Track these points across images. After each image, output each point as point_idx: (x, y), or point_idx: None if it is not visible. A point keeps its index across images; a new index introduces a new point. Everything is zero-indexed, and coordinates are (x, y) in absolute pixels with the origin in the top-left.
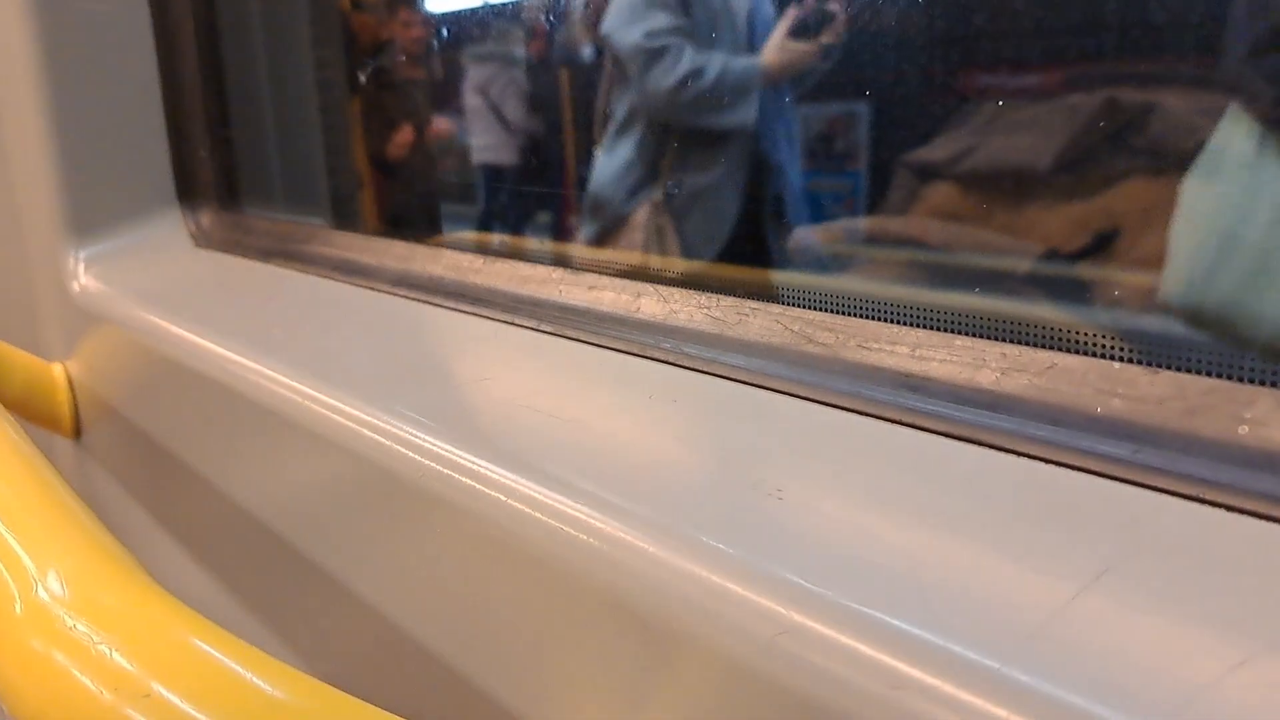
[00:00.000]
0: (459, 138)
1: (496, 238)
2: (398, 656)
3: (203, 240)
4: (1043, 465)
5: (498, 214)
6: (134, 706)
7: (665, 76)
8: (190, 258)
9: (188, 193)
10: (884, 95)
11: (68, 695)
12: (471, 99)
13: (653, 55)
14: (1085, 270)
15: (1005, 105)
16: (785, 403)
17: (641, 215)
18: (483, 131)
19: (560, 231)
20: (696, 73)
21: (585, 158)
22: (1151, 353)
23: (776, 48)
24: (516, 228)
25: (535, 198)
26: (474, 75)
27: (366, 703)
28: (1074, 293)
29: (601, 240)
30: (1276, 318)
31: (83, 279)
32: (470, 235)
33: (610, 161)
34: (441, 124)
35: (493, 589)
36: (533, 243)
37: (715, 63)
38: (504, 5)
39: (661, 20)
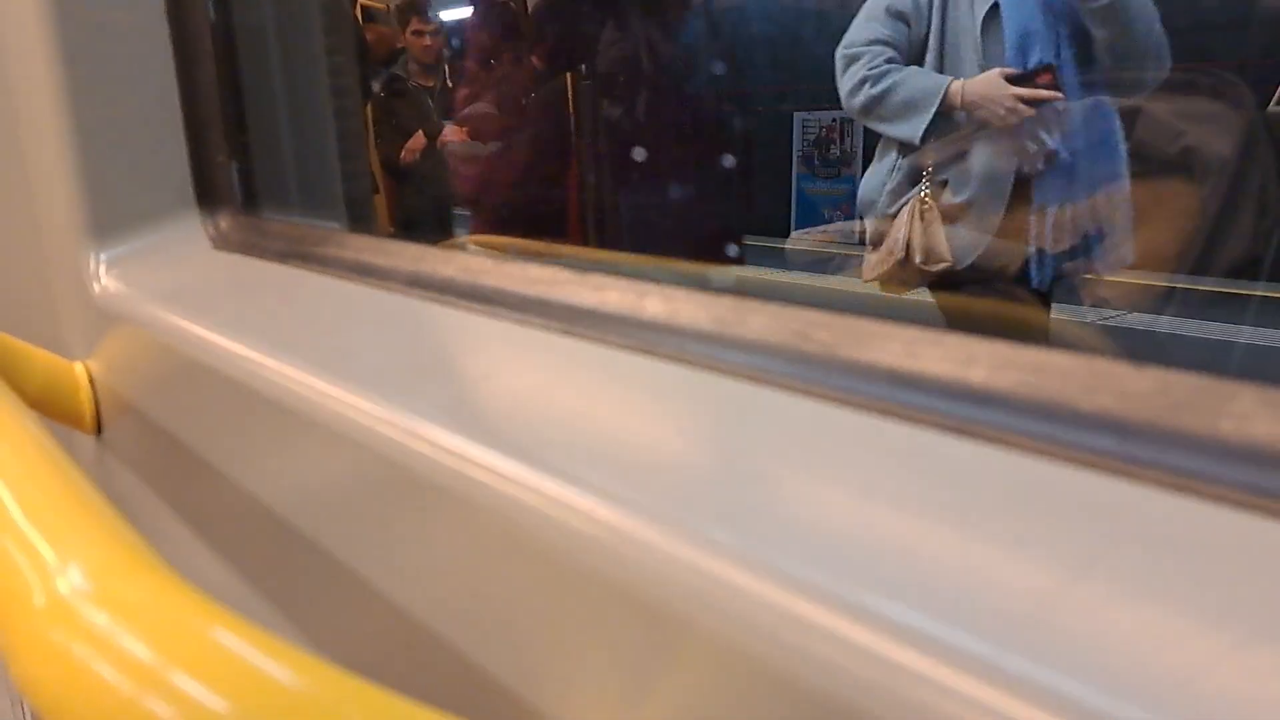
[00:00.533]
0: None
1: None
2: (414, 646)
3: (221, 243)
4: (1032, 458)
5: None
6: (157, 698)
7: (846, 82)
8: (209, 260)
9: (206, 197)
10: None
11: (89, 687)
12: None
13: (846, 62)
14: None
15: None
16: (785, 398)
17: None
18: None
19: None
20: (870, 79)
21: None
22: (1137, 349)
23: (983, 80)
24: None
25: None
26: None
27: (387, 691)
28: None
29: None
30: None
31: (103, 280)
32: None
33: (878, 168)
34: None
35: (505, 580)
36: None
37: (893, 75)
38: None
39: (869, 32)
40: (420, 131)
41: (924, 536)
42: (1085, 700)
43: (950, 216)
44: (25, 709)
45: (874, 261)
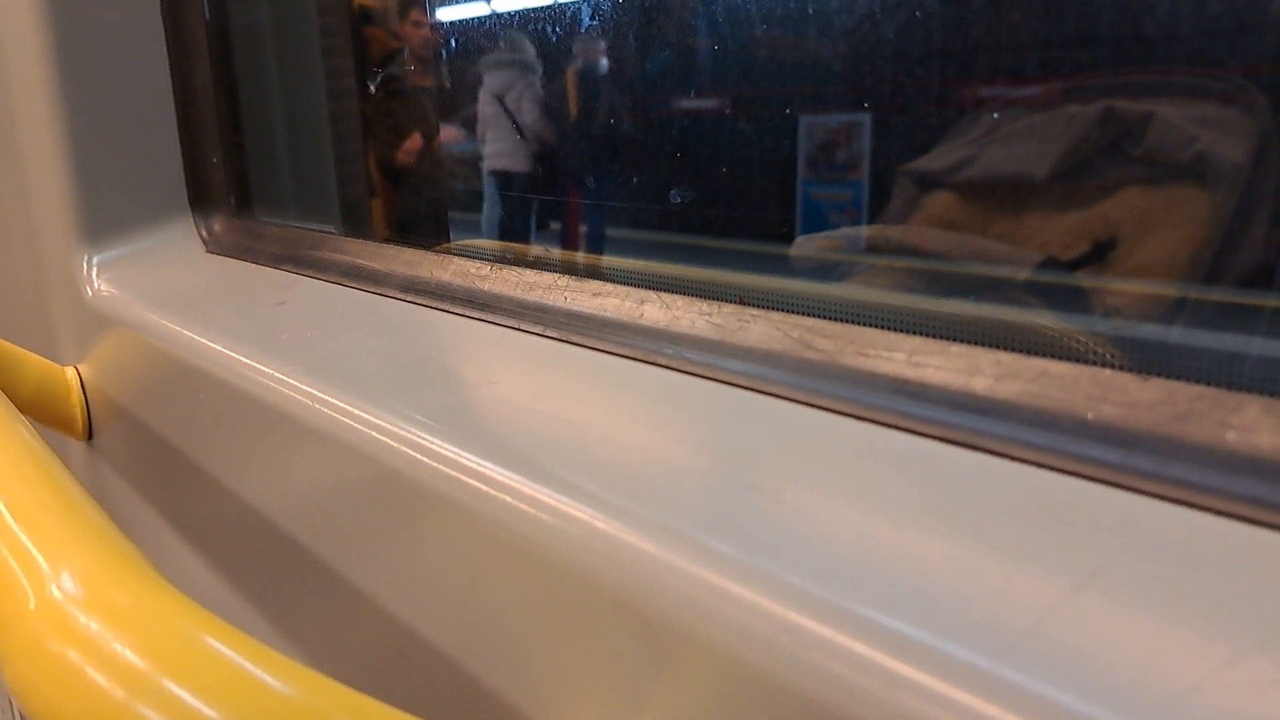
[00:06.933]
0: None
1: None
2: (405, 654)
3: (214, 246)
4: (1035, 469)
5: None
6: (146, 704)
7: None
8: (201, 263)
9: (199, 199)
10: None
11: (81, 693)
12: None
13: None
14: (1080, 278)
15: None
16: (784, 408)
17: None
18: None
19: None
20: None
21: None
22: (1142, 359)
23: None
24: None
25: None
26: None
27: (375, 700)
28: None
29: None
30: None
31: (96, 284)
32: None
33: None
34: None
35: (498, 588)
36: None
37: None
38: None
39: None
40: (418, 133)
41: (924, 548)
42: (1084, 712)
43: None
44: (17, 712)
45: None
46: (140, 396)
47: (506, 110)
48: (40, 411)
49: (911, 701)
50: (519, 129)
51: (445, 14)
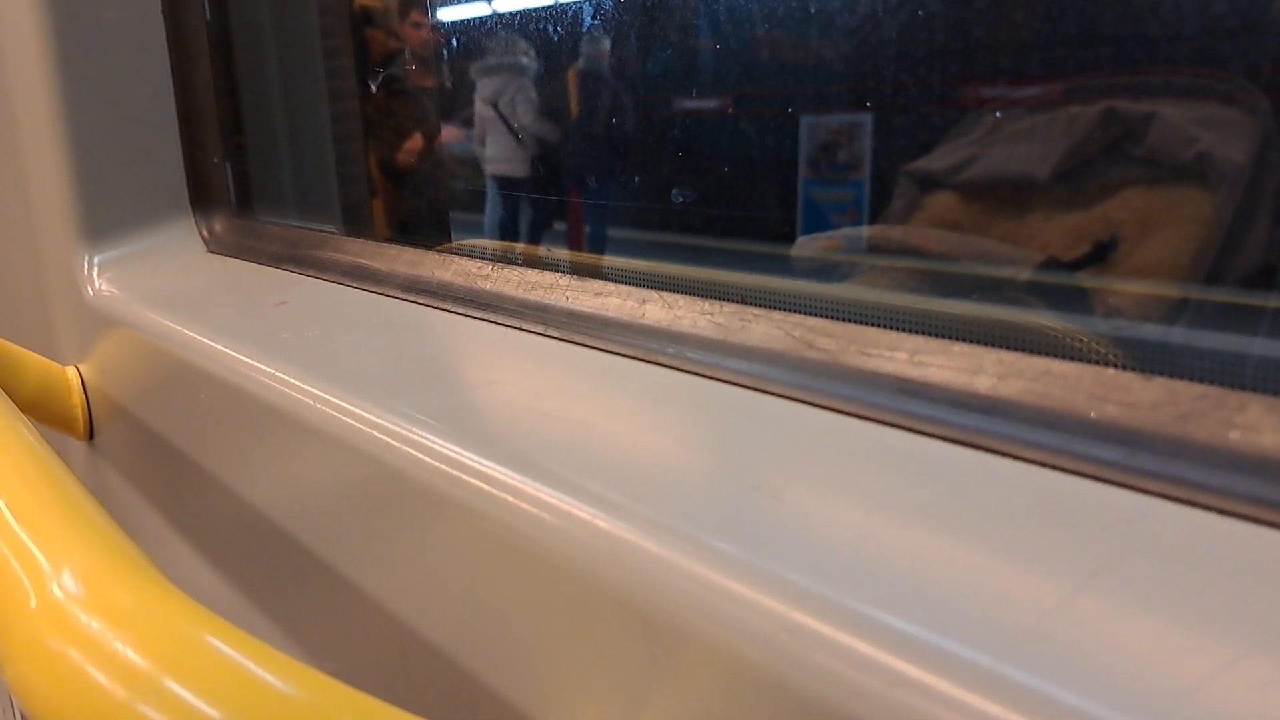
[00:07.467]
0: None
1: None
2: (407, 654)
3: (215, 246)
4: (1037, 469)
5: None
6: (147, 703)
7: None
8: (202, 263)
9: (200, 199)
10: None
11: (82, 692)
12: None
13: None
14: (1082, 278)
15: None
16: (786, 407)
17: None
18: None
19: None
20: None
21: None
22: (1145, 359)
23: None
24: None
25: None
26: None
27: (377, 699)
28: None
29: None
30: None
31: (96, 283)
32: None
33: None
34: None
35: (500, 588)
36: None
37: None
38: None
39: None
40: (419, 133)
41: (926, 547)
42: (1087, 711)
43: None
44: (17, 711)
45: None
46: (141, 396)
47: (501, 115)
48: (41, 411)
49: (913, 700)
50: (515, 134)
51: (445, 14)
